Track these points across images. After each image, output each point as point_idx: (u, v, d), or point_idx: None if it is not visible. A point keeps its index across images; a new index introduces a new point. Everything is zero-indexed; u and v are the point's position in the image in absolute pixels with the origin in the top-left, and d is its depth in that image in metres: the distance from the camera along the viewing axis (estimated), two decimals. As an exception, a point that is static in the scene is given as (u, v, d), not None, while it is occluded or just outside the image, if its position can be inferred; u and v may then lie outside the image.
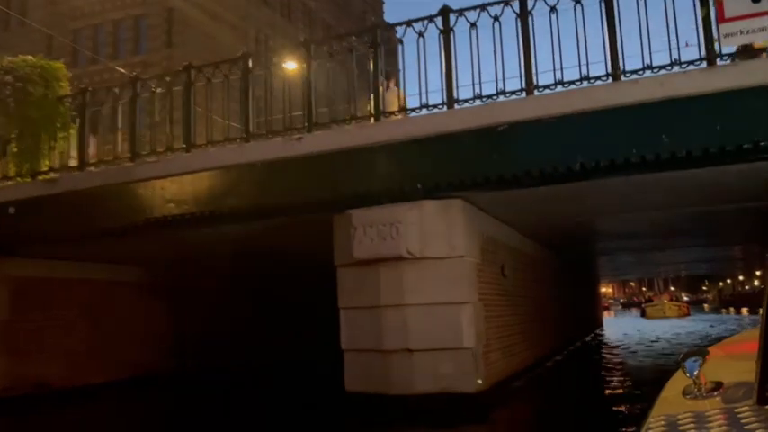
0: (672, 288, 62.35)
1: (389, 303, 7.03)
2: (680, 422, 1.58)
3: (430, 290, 6.94)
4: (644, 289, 70.80)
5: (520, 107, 6.47)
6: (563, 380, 10.71)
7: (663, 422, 1.62)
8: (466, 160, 6.60)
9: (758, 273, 37.15)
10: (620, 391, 9.32)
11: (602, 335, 22.62)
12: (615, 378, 10.64)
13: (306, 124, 7.36)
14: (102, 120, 9.11)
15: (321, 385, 8.16)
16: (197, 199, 7.70)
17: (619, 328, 26.12)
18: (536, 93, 6.53)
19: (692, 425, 1.54)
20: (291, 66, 7.94)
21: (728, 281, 56.65)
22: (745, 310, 36.02)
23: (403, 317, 6.97)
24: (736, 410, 1.58)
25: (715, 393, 1.78)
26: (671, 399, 1.91)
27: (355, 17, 38.59)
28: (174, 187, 7.79)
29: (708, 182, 6.95)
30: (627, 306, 63.68)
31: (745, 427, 1.45)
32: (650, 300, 43.50)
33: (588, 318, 22.53)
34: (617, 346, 17.17)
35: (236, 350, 12.55)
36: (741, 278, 51.55)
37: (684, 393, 1.85)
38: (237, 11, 30.91)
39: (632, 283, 76.25)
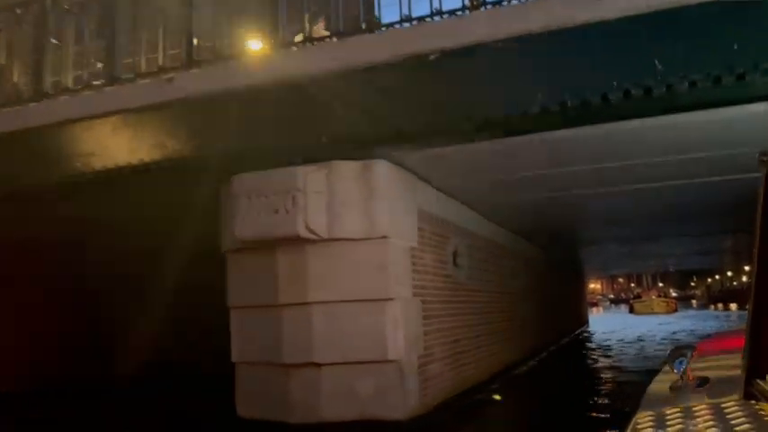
0: (660, 284, 61.13)
1: (290, 302, 5.25)
2: (667, 417, 1.58)
3: (342, 283, 5.16)
4: (632, 285, 69.57)
5: (457, 27, 4.66)
6: (533, 392, 8.95)
7: (650, 417, 1.62)
8: (387, 103, 4.79)
9: (746, 268, 36.44)
10: (601, 400, 7.77)
11: (586, 332, 21.54)
12: (595, 386, 9.03)
13: (184, 60, 5.54)
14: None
15: (207, 409, 6.34)
16: (46, 163, 5.85)
17: (605, 325, 24.82)
18: (482, 10, 4.75)
19: (678, 420, 1.54)
20: None
21: (717, 277, 55.71)
22: (733, 306, 35.77)
23: (307, 319, 5.19)
24: (723, 405, 1.58)
25: (701, 389, 1.78)
26: (658, 394, 1.90)
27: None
28: (18, 148, 5.92)
29: (714, 135, 5.20)
30: (615, 302, 62.66)
31: (731, 421, 1.44)
32: (638, 296, 42.67)
33: (572, 315, 21.11)
34: (600, 347, 15.80)
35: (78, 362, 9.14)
36: (729, 274, 50.71)
37: (671, 389, 1.87)
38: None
39: (621, 280, 75.04)
